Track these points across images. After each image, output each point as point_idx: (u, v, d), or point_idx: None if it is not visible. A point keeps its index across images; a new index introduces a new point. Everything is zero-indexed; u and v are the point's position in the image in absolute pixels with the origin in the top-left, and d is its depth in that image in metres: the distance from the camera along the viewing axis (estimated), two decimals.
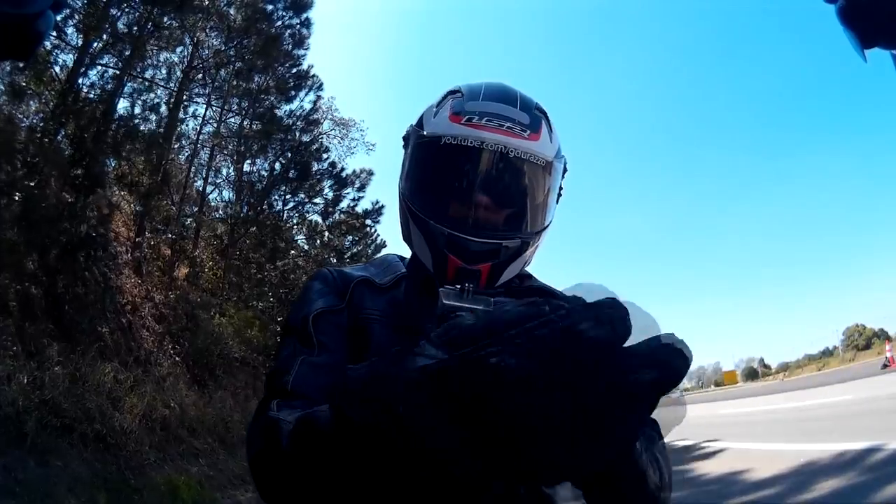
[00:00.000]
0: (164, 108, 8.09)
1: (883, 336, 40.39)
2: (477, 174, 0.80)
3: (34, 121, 5.69)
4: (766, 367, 64.85)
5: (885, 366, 19.15)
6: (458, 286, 0.75)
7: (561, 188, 0.89)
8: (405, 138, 0.91)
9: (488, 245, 0.81)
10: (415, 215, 0.85)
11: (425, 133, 0.85)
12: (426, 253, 0.84)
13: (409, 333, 0.78)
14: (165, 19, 7.03)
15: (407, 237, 0.90)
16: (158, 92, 7.96)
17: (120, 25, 6.61)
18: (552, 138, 0.86)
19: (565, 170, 0.89)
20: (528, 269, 0.96)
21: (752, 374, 62.53)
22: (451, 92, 0.88)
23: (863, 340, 47.76)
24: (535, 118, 0.84)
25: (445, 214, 0.82)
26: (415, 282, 0.89)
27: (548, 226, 0.88)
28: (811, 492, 3.82)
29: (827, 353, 53.22)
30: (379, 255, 1.01)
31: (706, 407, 16.06)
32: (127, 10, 6.54)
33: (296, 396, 0.71)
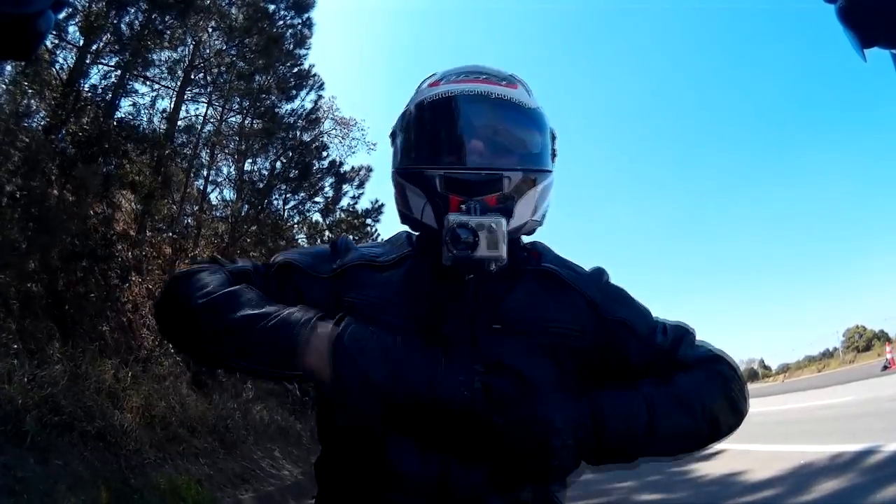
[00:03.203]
0: (165, 108, 8.12)
1: (883, 338, 40.23)
2: (463, 119, 0.82)
3: (36, 120, 5.69)
4: (767, 368, 64.67)
5: (885, 367, 19.06)
6: (465, 207, 0.77)
7: (555, 151, 0.89)
8: (392, 135, 0.92)
9: (488, 175, 0.79)
10: (408, 175, 0.84)
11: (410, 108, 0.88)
12: (424, 207, 0.81)
13: (404, 320, 0.79)
14: (167, 18, 7.03)
15: (405, 216, 0.87)
16: (160, 92, 7.98)
17: (121, 26, 6.61)
18: (531, 96, 0.87)
19: (554, 136, 0.89)
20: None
21: (752, 376, 62.36)
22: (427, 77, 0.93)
23: (863, 342, 47.61)
24: (509, 77, 0.87)
25: (439, 161, 0.82)
26: (420, 262, 0.85)
27: (549, 171, 0.86)
28: (811, 493, 3.81)
29: (827, 355, 52.98)
30: (396, 233, 0.97)
31: None
32: (130, 9, 6.54)
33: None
